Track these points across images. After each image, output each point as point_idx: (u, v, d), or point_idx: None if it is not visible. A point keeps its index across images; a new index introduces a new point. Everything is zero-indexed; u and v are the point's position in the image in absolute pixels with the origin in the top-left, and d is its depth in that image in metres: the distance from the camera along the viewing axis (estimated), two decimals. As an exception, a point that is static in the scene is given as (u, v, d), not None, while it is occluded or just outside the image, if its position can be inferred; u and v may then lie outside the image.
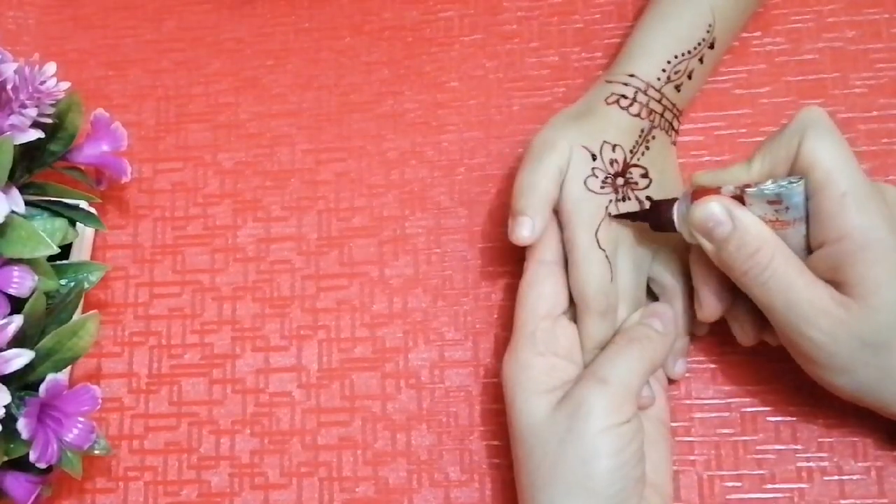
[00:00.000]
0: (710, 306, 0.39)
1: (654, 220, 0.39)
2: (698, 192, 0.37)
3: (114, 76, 0.53)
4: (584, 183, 0.41)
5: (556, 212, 0.42)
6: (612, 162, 0.41)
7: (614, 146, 0.42)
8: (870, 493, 0.41)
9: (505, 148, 0.48)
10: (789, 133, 0.36)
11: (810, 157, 0.34)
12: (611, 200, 0.41)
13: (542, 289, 0.40)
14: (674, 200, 0.39)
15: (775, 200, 0.35)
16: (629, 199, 0.41)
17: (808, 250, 0.36)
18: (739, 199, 0.36)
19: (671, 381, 0.43)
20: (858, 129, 0.46)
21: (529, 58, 0.50)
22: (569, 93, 0.49)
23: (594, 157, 0.41)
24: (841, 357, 0.35)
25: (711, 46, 0.44)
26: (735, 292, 0.38)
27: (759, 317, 0.38)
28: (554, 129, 0.42)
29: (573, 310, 0.41)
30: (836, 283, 0.35)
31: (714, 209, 0.36)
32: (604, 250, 0.40)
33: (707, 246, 0.37)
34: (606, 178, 0.41)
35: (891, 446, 0.41)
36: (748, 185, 0.36)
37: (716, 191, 0.37)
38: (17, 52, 0.42)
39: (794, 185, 0.35)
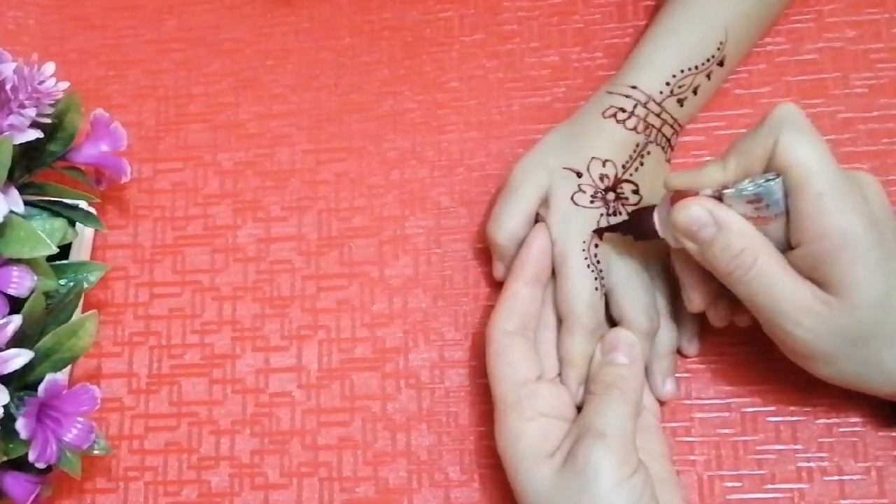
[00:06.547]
0: (696, 298, 0.39)
1: (636, 230, 0.39)
2: (676, 197, 0.37)
3: (114, 76, 0.53)
4: (572, 199, 0.41)
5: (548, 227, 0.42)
6: (602, 177, 0.41)
7: (605, 161, 0.42)
8: (870, 493, 0.41)
9: (505, 148, 0.48)
10: (764, 130, 0.35)
11: (786, 156, 0.34)
12: (602, 214, 0.41)
13: (510, 357, 0.40)
14: (652, 208, 0.38)
15: (755, 199, 0.35)
16: (620, 213, 0.41)
17: (790, 245, 0.36)
18: (718, 199, 0.36)
19: (662, 404, 0.42)
20: (858, 129, 0.46)
21: (529, 58, 0.50)
22: (569, 93, 0.49)
23: (580, 175, 0.41)
24: (824, 350, 0.35)
25: (721, 64, 0.43)
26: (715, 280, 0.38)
27: (733, 300, 0.38)
28: (535, 156, 0.43)
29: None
30: (816, 280, 0.35)
31: (696, 212, 0.35)
32: (593, 264, 0.40)
33: (692, 247, 0.36)
34: (596, 192, 0.41)
35: (891, 447, 0.41)
36: (725, 187, 0.35)
37: (694, 194, 0.36)
38: (17, 52, 0.42)
39: (772, 182, 0.34)
